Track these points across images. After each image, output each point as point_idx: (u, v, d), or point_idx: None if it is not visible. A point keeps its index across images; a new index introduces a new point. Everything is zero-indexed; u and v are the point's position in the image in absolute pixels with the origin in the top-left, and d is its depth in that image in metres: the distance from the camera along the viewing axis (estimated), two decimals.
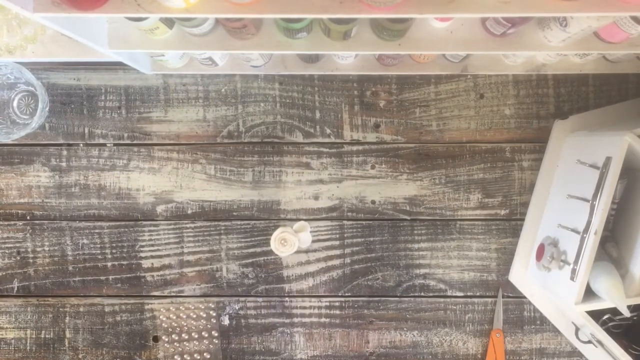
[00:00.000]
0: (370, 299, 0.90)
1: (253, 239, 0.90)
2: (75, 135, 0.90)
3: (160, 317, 0.90)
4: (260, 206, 0.90)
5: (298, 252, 0.87)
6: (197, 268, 0.90)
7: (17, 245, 0.90)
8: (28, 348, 0.90)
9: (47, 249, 0.90)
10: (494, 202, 0.90)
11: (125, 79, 0.90)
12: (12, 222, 0.90)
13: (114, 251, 0.90)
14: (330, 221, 0.90)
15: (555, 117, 0.89)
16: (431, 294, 0.89)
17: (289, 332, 0.90)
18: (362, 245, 0.90)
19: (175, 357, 0.89)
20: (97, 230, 0.90)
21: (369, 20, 0.68)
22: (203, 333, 0.89)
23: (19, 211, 0.90)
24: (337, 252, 0.90)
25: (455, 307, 0.89)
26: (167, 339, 0.89)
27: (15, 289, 0.90)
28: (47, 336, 0.90)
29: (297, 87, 0.90)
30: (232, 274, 0.90)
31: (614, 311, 0.74)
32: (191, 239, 0.90)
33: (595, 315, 0.74)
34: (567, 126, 0.86)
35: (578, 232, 0.71)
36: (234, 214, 0.90)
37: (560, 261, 0.74)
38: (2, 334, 0.90)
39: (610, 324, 0.78)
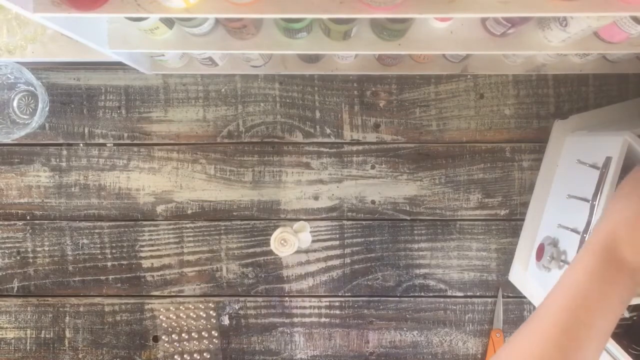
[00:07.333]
0: (370, 299, 0.90)
1: (253, 239, 0.90)
2: (75, 135, 0.90)
3: (160, 317, 0.90)
4: (260, 206, 0.90)
5: (298, 252, 0.87)
6: (197, 268, 0.90)
7: (17, 245, 0.90)
8: (28, 348, 0.90)
9: (47, 249, 0.90)
10: (494, 202, 0.90)
11: (125, 79, 0.90)
12: (12, 222, 0.90)
13: (114, 251, 0.90)
14: (330, 221, 0.90)
15: (555, 117, 0.89)
16: (431, 294, 0.89)
17: (289, 332, 0.90)
18: (362, 245, 0.90)
19: (175, 357, 0.89)
20: (97, 230, 0.90)
21: (369, 20, 0.68)
22: (203, 333, 0.89)
23: (19, 211, 0.90)
24: (337, 252, 0.90)
25: (455, 307, 0.89)
26: (167, 339, 0.89)
27: (15, 289, 0.90)
28: (47, 336, 0.90)
29: (297, 87, 0.90)
30: (232, 274, 0.90)
31: None
32: (191, 239, 0.90)
33: None
34: (567, 126, 0.86)
35: (578, 232, 0.71)
36: (234, 214, 0.90)
37: (560, 261, 0.74)
38: (2, 334, 0.90)
39: None
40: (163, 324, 0.90)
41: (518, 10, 0.54)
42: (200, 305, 0.90)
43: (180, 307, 0.90)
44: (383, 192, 0.90)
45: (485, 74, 0.89)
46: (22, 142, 0.90)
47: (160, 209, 0.90)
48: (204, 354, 0.89)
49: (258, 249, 0.90)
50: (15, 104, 0.90)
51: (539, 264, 0.78)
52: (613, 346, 0.73)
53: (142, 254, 0.90)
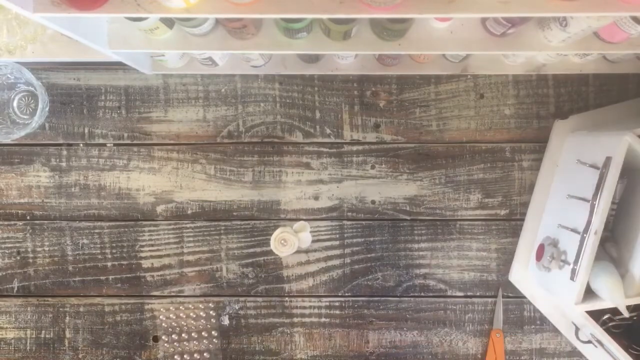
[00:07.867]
0: (370, 299, 0.90)
1: (253, 239, 0.90)
2: (75, 135, 0.90)
3: (160, 317, 0.90)
4: (260, 206, 0.90)
5: (298, 252, 0.87)
6: (197, 268, 0.90)
7: (17, 245, 0.90)
8: (28, 348, 0.90)
9: (47, 249, 0.90)
10: (494, 202, 0.90)
11: (125, 79, 0.90)
12: (12, 222, 0.90)
13: (114, 251, 0.90)
14: (330, 221, 0.90)
15: (555, 117, 0.89)
16: (431, 294, 0.89)
17: (289, 332, 0.90)
18: (362, 245, 0.90)
19: (175, 357, 0.89)
20: (97, 230, 0.90)
21: (369, 20, 0.68)
22: (203, 333, 0.89)
23: (19, 211, 0.90)
24: (337, 252, 0.90)
25: (455, 307, 0.89)
26: (167, 339, 0.89)
27: (15, 289, 0.90)
28: (47, 336, 0.90)
29: (297, 87, 0.90)
30: (232, 274, 0.90)
31: (614, 311, 0.74)
32: (191, 239, 0.90)
33: (595, 315, 0.74)
34: (567, 126, 0.86)
35: (578, 232, 0.71)
36: (234, 214, 0.90)
37: (560, 261, 0.74)
38: (2, 334, 0.90)
39: (610, 324, 0.78)
40: (163, 324, 0.90)
41: (518, 10, 0.54)
42: (200, 305, 0.90)
43: (180, 307, 0.90)
44: (383, 192, 0.90)
45: (485, 74, 0.89)
46: (22, 142, 0.90)
47: (160, 209, 0.90)
48: (204, 354, 0.89)
49: (258, 249, 0.90)
50: (15, 104, 0.90)
51: (539, 264, 0.78)
52: (613, 346, 0.73)
53: (142, 254, 0.90)
